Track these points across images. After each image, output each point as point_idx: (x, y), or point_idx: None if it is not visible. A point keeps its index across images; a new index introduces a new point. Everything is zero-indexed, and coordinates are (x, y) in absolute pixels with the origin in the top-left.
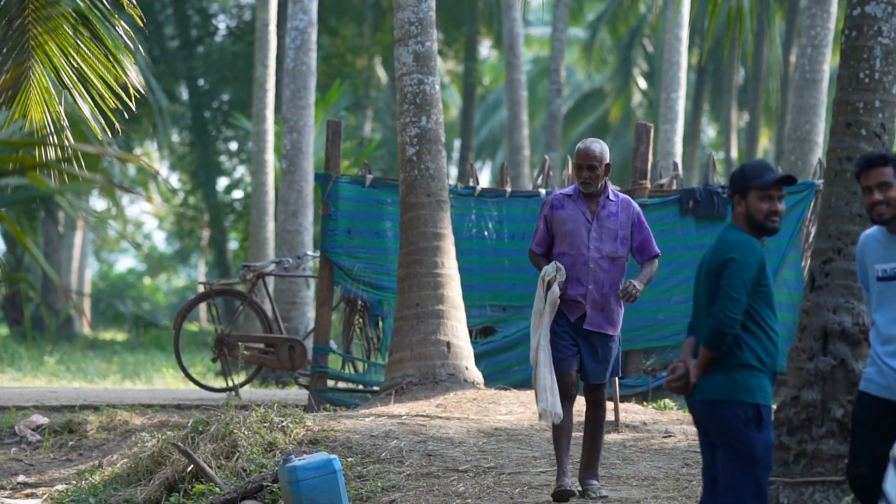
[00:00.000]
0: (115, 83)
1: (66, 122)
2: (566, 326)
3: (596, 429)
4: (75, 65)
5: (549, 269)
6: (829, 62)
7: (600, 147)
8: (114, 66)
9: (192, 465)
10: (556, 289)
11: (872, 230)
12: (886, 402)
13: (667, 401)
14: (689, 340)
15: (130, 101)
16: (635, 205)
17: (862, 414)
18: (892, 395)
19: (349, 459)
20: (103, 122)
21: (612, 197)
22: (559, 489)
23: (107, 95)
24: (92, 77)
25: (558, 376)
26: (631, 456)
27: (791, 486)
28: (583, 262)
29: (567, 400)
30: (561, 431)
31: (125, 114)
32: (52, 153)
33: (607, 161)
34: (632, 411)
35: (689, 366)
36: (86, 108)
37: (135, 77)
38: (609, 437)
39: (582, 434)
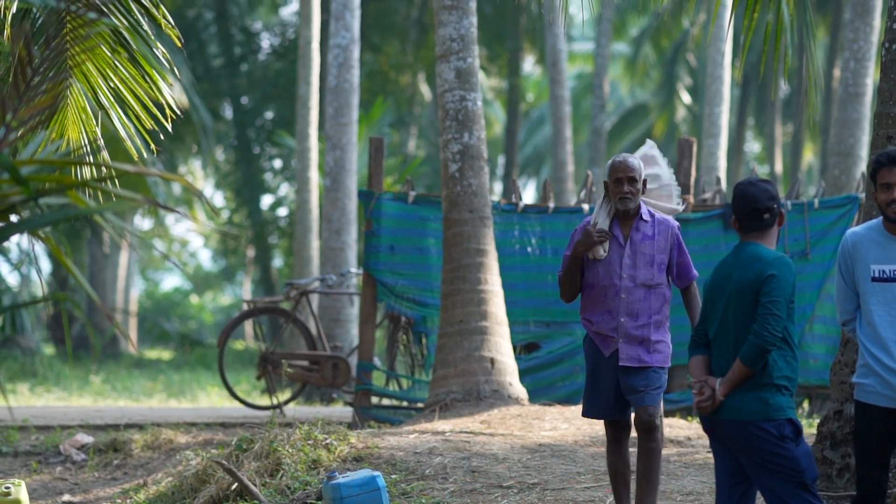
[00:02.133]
0: (151, 104)
1: (102, 143)
2: (602, 365)
3: (649, 461)
4: (113, 85)
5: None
6: (872, 76)
7: (637, 160)
8: (151, 87)
9: (236, 483)
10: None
11: (863, 229)
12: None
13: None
14: (699, 358)
15: (166, 121)
16: (674, 224)
17: (875, 427)
18: None
19: (393, 476)
20: (139, 143)
21: (646, 217)
22: None
23: (143, 116)
24: (129, 97)
25: (607, 425)
26: (675, 471)
27: (835, 500)
28: (614, 293)
29: (617, 443)
30: (615, 473)
31: (167, 132)
32: (89, 172)
33: (644, 176)
34: (676, 426)
35: (714, 384)
36: (122, 129)
37: (170, 97)
38: None
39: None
